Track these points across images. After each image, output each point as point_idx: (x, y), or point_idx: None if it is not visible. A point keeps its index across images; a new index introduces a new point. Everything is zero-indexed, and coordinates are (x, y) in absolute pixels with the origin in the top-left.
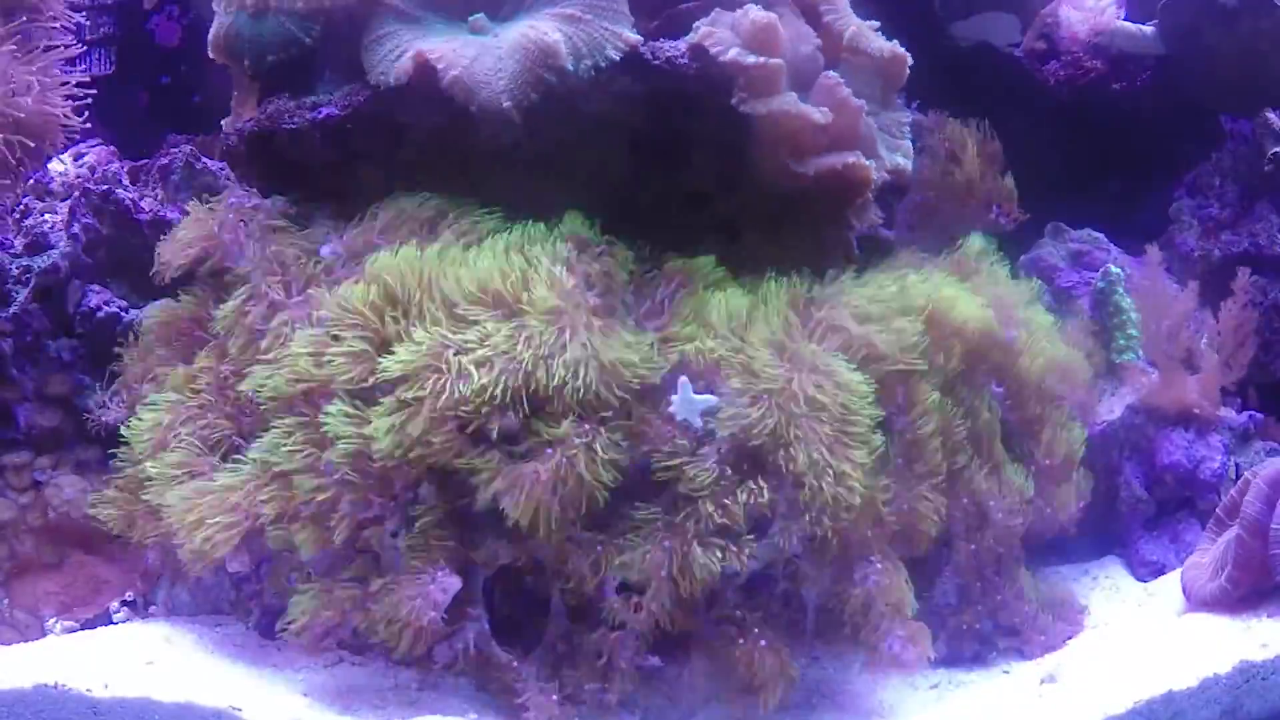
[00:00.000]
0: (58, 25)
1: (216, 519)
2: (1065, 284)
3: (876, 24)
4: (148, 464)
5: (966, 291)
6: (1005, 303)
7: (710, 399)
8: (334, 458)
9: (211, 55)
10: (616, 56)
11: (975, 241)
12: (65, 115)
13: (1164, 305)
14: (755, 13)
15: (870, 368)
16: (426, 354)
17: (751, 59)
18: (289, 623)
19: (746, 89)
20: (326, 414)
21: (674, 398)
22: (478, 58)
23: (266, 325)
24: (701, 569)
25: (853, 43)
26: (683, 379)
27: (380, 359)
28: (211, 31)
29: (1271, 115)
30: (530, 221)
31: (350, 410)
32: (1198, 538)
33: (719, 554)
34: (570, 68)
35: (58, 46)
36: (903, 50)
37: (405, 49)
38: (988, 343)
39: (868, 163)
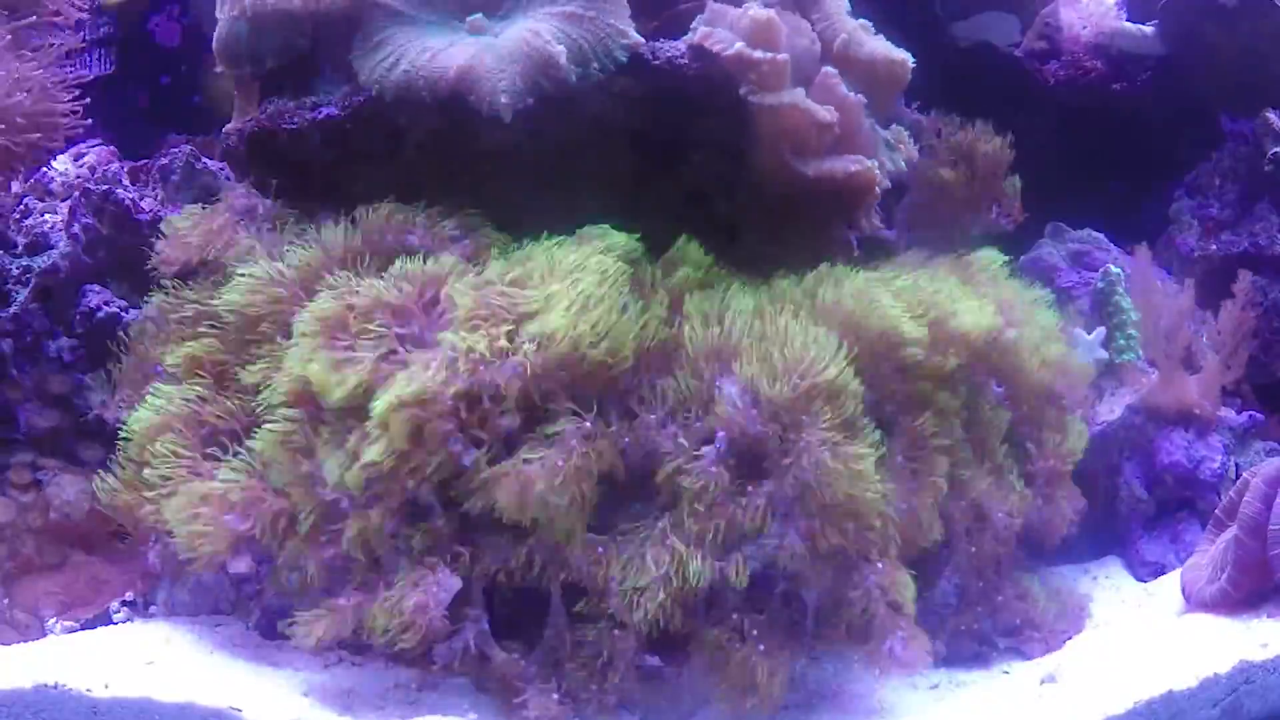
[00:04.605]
0: (60, 22)
1: (214, 522)
2: (1065, 284)
3: (868, 24)
4: (148, 459)
5: (973, 296)
6: (1008, 303)
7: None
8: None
9: (216, 58)
10: (624, 58)
11: (981, 252)
12: (67, 113)
13: (1163, 305)
14: (755, 9)
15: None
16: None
17: (759, 53)
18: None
19: (756, 83)
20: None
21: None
22: (478, 54)
23: (266, 325)
24: (701, 572)
25: (843, 50)
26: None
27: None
28: (215, 35)
29: (1271, 115)
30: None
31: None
32: (1198, 538)
33: (718, 557)
34: (573, 79)
35: (59, 43)
36: (904, 54)
37: (399, 57)
38: (990, 347)
39: (869, 163)
